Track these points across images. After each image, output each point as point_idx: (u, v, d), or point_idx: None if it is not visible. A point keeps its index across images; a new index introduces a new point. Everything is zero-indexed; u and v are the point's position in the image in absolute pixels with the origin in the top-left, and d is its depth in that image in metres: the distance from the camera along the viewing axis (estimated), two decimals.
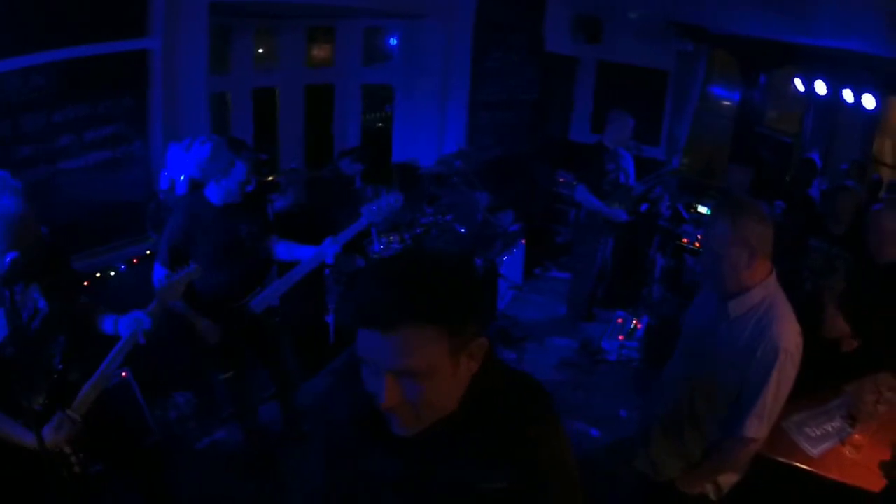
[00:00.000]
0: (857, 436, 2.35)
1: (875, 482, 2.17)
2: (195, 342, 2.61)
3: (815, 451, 2.31)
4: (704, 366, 1.89)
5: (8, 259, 1.74)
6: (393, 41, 5.35)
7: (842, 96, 4.95)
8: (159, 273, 2.52)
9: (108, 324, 2.06)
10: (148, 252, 3.25)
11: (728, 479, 1.96)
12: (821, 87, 5.09)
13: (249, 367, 2.81)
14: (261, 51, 4.81)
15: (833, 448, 2.33)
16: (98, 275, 3.06)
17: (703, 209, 4.89)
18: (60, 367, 1.94)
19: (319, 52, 5.23)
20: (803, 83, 5.27)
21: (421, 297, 0.85)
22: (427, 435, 0.95)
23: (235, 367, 2.72)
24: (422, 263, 0.91)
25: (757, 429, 1.76)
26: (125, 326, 2.02)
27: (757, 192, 4.43)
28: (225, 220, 2.54)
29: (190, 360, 2.95)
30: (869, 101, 4.80)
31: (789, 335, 1.74)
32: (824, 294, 2.94)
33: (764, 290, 1.78)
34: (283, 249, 2.76)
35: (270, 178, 3.72)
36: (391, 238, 3.85)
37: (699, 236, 4.63)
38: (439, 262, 0.91)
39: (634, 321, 4.24)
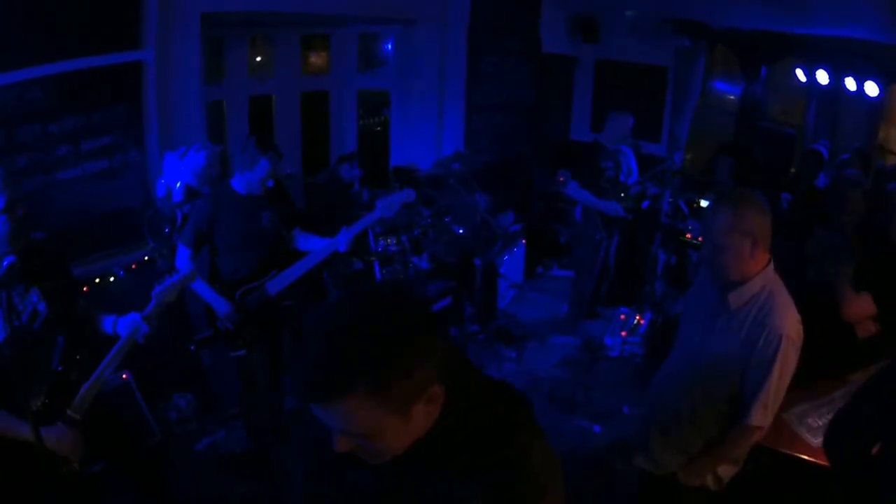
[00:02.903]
0: None
1: None
2: (211, 320, 2.75)
3: (816, 441, 2.25)
4: (704, 359, 1.87)
5: (5, 263, 1.79)
6: (388, 47, 5.38)
7: (844, 85, 4.88)
8: (183, 253, 2.70)
9: (108, 324, 2.10)
10: (146, 258, 3.30)
11: (727, 471, 1.94)
12: (823, 77, 5.03)
13: (262, 350, 2.86)
14: (258, 59, 4.87)
15: None
16: (97, 280, 3.11)
17: (706, 204, 4.84)
18: (60, 367, 1.97)
19: (315, 59, 5.29)
20: (805, 73, 5.21)
21: (340, 375, 0.83)
22: (408, 452, 0.94)
23: (248, 346, 2.80)
24: (344, 329, 0.85)
25: (762, 417, 1.76)
26: (124, 327, 2.05)
27: (756, 184, 4.36)
28: (248, 208, 2.70)
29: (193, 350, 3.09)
30: (872, 89, 4.73)
31: (790, 322, 1.74)
32: (835, 280, 2.85)
33: (763, 279, 1.77)
34: (303, 240, 2.91)
35: None
36: (389, 240, 3.86)
37: None
38: (367, 322, 0.85)
39: (637, 317, 4.20)
